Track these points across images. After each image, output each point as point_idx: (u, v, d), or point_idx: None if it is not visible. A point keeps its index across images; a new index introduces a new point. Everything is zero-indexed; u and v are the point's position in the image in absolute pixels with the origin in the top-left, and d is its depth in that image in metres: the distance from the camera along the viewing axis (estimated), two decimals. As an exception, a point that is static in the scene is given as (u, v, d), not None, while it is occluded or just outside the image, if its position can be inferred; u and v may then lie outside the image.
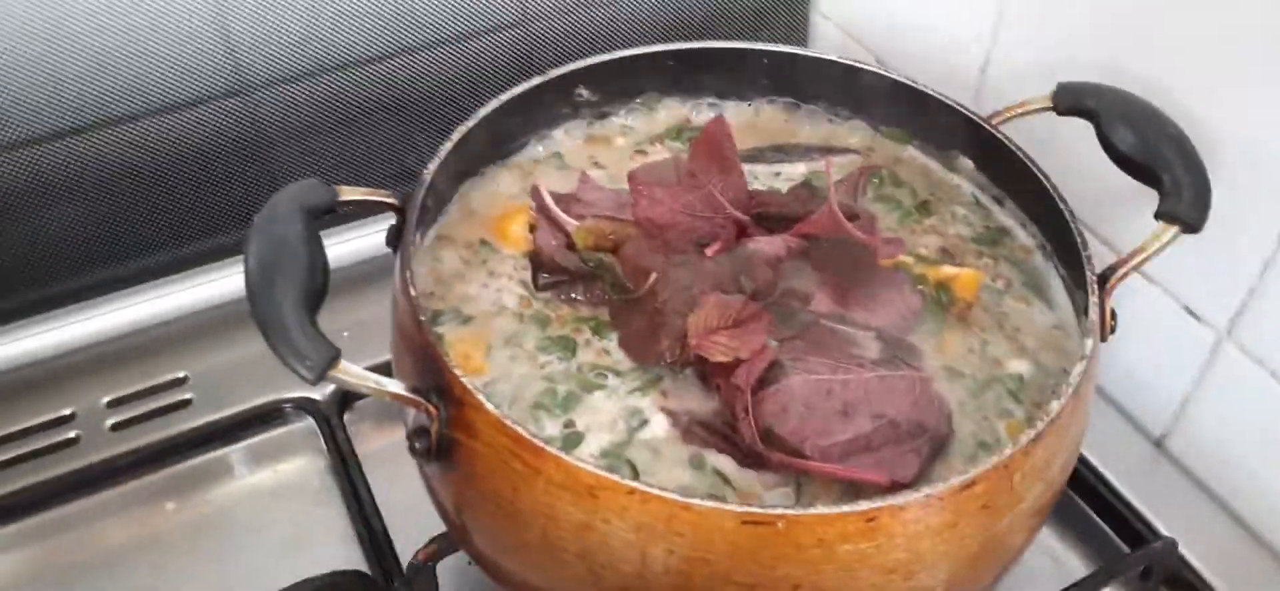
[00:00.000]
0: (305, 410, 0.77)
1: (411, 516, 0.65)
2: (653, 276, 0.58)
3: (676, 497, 0.46)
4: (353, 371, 0.49)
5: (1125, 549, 0.69)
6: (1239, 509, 0.71)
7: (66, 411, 0.78)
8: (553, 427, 0.55)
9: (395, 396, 0.51)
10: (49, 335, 0.81)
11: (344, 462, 0.73)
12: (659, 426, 0.55)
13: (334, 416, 0.76)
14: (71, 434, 0.76)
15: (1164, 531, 0.69)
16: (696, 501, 0.46)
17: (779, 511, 0.46)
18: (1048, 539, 0.71)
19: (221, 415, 0.77)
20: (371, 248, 0.84)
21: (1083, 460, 0.71)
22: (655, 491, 0.46)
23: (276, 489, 0.75)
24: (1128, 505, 0.71)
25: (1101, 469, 0.72)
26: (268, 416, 0.77)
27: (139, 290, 0.84)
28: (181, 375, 0.80)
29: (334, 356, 0.49)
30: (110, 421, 0.77)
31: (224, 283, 0.85)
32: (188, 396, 0.79)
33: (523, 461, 0.48)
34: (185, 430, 0.77)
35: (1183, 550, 0.68)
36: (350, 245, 0.84)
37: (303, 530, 0.72)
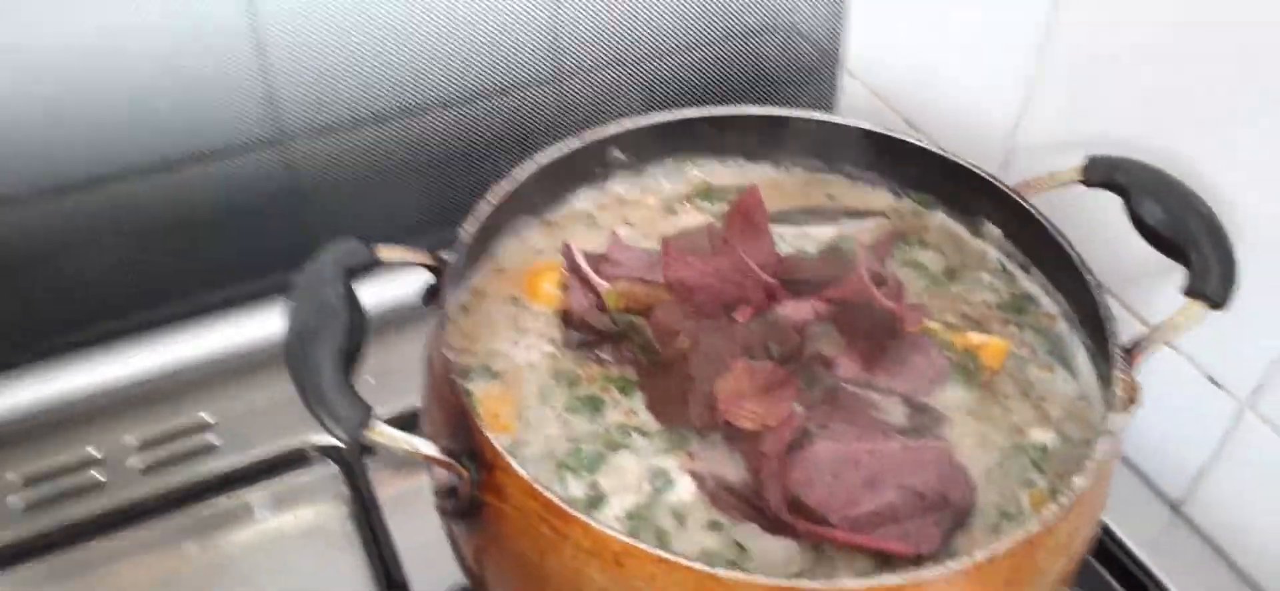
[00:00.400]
0: (328, 455, 0.78)
1: (431, 563, 0.66)
2: (682, 339, 0.59)
3: (705, 568, 0.46)
4: (386, 433, 0.50)
5: (1143, 617, 0.70)
6: (1254, 575, 0.71)
7: (93, 453, 0.78)
8: (577, 488, 0.56)
9: (429, 458, 0.52)
10: (76, 377, 0.82)
11: (365, 509, 0.74)
12: (685, 489, 0.56)
13: (356, 462, 0.77)
14: (98, 475, 0.77)
15: (1181, 600, 0.69)
16: (724, 573, 0.46)
17: (806, 585, 0.46)
18: (1067, 604, 0.71)
19: (245, 459, 0.78)
20: (400, 295, 0.84)
21: (1101, 524, 0.71)
22: (683, 562, 0.46)
23: (298, 533, 0.75)
24: (1144, 569, 0.71)
25: (1119, 533, 0.72)
26: (291, 461, 0.78)
27: (167, 333, 0.85)
28: (207, 419, 0.81)
29: (366, 416, 0.49)
30: (136, 463, 0.78)
31: (250, 328, 0.85)
32: (213, 440, 0.80)
33: (551, 526, 0.49)
34: (209, 473, 0.77)
35: (1201, 620, 0.68)
36: (379, 293, 0.85)
37: (323, 575, 0.72)
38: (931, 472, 0.54)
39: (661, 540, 0.53)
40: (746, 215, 0.64)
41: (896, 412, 0.59)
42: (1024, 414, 0.60)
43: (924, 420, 0.59)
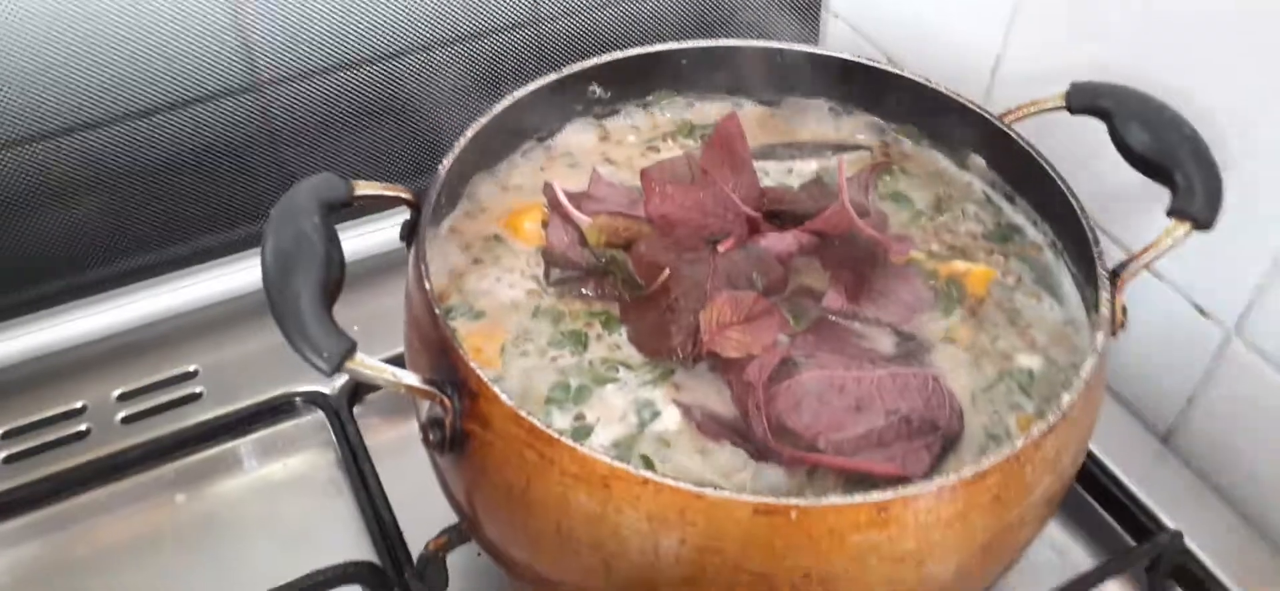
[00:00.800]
0: (315, 403, 0.78)
1: (421, 508, 0.65)
2: (665, 272, 0.59)
3: (690, 488, 0.46)
4: (369, 363, 0.50)
5: (1131, 542, 0.70)
6: (1244, 502, 0.72)
7: (77, 404, 0.78)
8: (563, 420, 0.55)
9: (411, 389, 0.51)
10: (59, 328, 0.82)
11: (354, 455, 0.74)
12: (670, 419, 0.56)
13: (344, 409, 0.76)
14: (82, 427, 0.77)
15: (1170, 524, 0.69)
16: (710, 491, 0.46)
17: (792, 502, 0.46)
18: (1054, 532, 0.71)
19: (231, 408, 0.78)
20: (383, 242, 0.85)
21: (1090, 454, 0.71)
22: (668, 482, 0.46)
23: (286, 481, 0.75)
24: (1133, 499, 0.71)
25: (1108, 463, 0.73)
26: (278, 409, 0.78)
27: (150, 283, 0.84)
28: (192, 368, 0.81)
29: (350, 348, 0.49)
30: (121, 414, 0.78)
31: (234, 276, 0.85)
32: (198, 389, 0.79)
33: (537, 452, 0.49)
34: (195, 423, 0.77)
35: (1188, 542, 0.69)
36: (363, 239, 0.85)
37: (312, 522, 0.72)
38: (918, 398, 0.54)
39: (649, 467, 0.53)
40: (726, 143, 0.63)
41: (884, 341, 0.59)
42: (1011, 340, 0.60)
43: (911, 348, 0.59)
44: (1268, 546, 0.70)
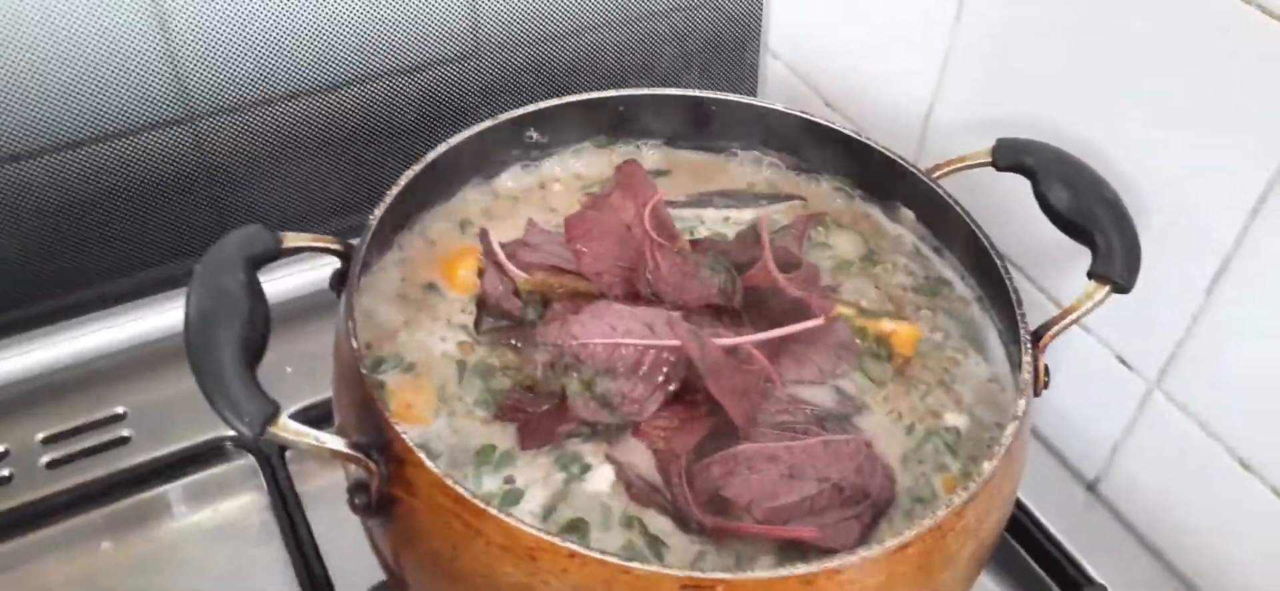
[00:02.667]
0: (246, 448, 0.76)
1: (353, 557, 0.64)
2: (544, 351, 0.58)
3: (617, 561, 0.46)
4: (292, 428, 0.49)
5: (1058, 593, 0.71)
6: (1168, 554, 0.73)
7: (-1, 448, 0.76)
8: (493, 483, 0.55)
9: (335, 453, 0.51)
10: (-19, 369, 0.80)
11: (284, 502, 0.73)
12: (602, 479, 0.56)
13: (275, 455, 0.75)
14: (4, 472, 0.75)
15: (1096, 577, 0.71)
16: (637, 566, 0.46)
17: (719, 576, 0.46)
18: (986, 582, 0.72)
19: (160, 452, 0.76)
20: (316, 281, 0.83)
21: (1018, 502, 0.72)
22: (595, 555, 0.46)
23: (217, 528, 0.74)
24: (1061, 549, 0.72)
25: (1036, 512, 0.74)
26: (208, 454, 0.76)
27: (76, 323, 0.82)
28: (120, 411, 0.79)
29: (273, 412, 0.48)
30: (45, 458, 0.76)
31: (164, 316, 0.83)
32: (126, 433, 0.78)
33: (463, 522, 0.48)
34: (123, 467, 0.75)
35: (1113, 597, 0.70)
36: (294, 279, 0.83)
37: (243, 571, 0.71)
38: (850, 465, 0.54)
39: (579, 531, 0.53)
40: (629, 182, 0.64)
41: (820, 395, 0.59)
42: (938, 398, 0.61)
43: (841, 407, 0.59)
44: (1190, 598, 0.72)
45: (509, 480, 0.55)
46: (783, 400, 0.57)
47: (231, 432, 0.75)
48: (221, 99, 0.81)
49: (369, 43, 0.84)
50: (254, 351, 0.51)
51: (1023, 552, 0.73)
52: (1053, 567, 0.72)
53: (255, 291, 0.53)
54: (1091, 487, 0.77)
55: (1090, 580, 0.70)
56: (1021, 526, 0.73)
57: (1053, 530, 0.73)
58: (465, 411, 0.58)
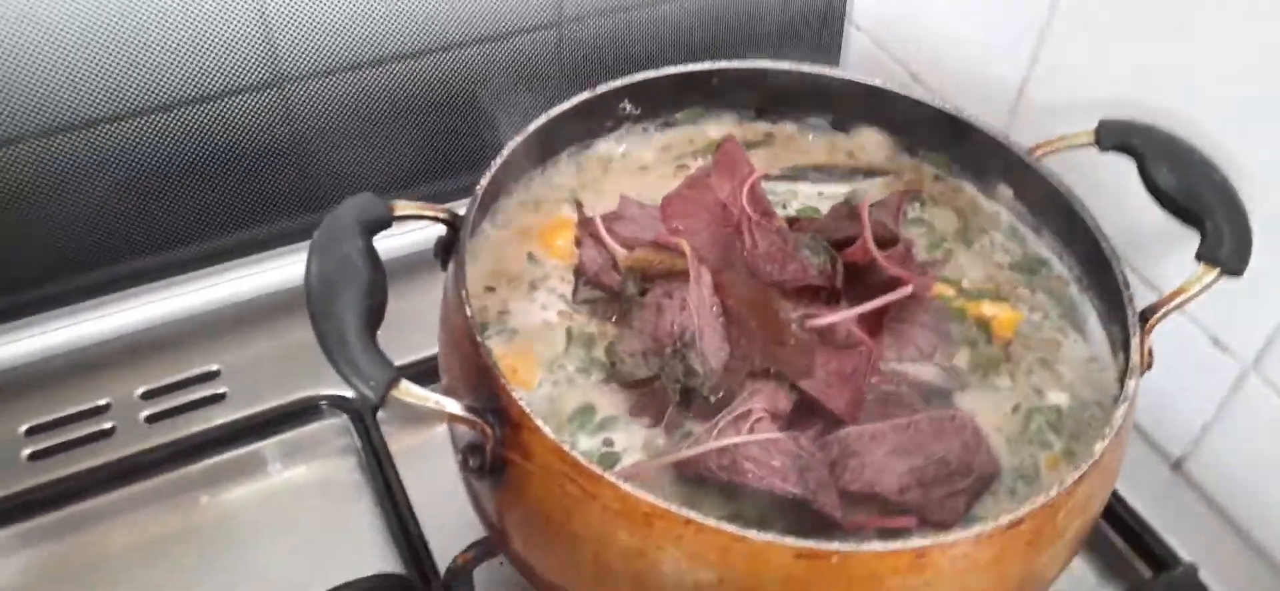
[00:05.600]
0: (339, 407, 0.78)
1: (445, 515, 0.66)
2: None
3: (732, 529, 0.47)
4: (413, 392, 0.50)
5: (1147, 572, 0.71)
6: (1256, 535, 0.73)
7: (102, 402, 0.78)
8: (590, 444, 0.56)
9: (453, 417, 0.52)
10: (83, 326, 0.82)
11: (378, 461, 0.74)
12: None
13: (368, 414, 0.77)
14: (107, 425, 0.77)
15: (1184, 556, 0.71)
16: (752, 534, 0.47)
17: (834, 546, 0.47)
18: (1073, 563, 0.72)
19: (255, 410, 0.78)
20: (408, 244, 0.84)
21: (1110, 484, 0.73)
22: (711, 523, 0.47)
23: (310, 485, 0.76)
24: (1149, 529, 0.72)
25: (1123, 493, 0.74)
26: (301, 412, 0.78)
27: (173, 282, 0.84)
28: (215, 368, 0.81)
29: (395, 376, 0.49)
30: (145, 413, 0.78)
31: (258, 276, 0.85)
32: (222, 390, 0.80)
33: (578, 486, 0.49)
34: (219, 424, 0.77)
35: (1203, 576, 0.70)
36: (388, 240, 0.84)
37: (335, 528, 0.73)
38: (955, 442, 0.54)
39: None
40: (730, 161, 0.64)
41: (921, 373, 0.60)
42: (1040, 377, 0.61)
43: (945, 383, 0.59)
44: (1278, 579, 0.71)
45: (608, 442, 0.56)
46: (885, 373, 0.58)
47: (325, 392, 0.78)
48: (311, 63, 0.82)
49: (454, 9, 0.84)
50: (374, 317, 0.52)
51: (1108, 529, 0.73)
52: (1139, 546, 0.72)
53: (373, 259, 0.54)
54: (1177, 466, 0.77)
55: (1178, 559, 0.70)
56: (1108, 506, 0.72)
57: (1138, 508, 0.73)
58: (567, 379, 0.59)
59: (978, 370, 0.60)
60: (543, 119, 0.66)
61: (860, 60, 0.97)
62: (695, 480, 0.54)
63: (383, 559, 0.70)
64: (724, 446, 0.53)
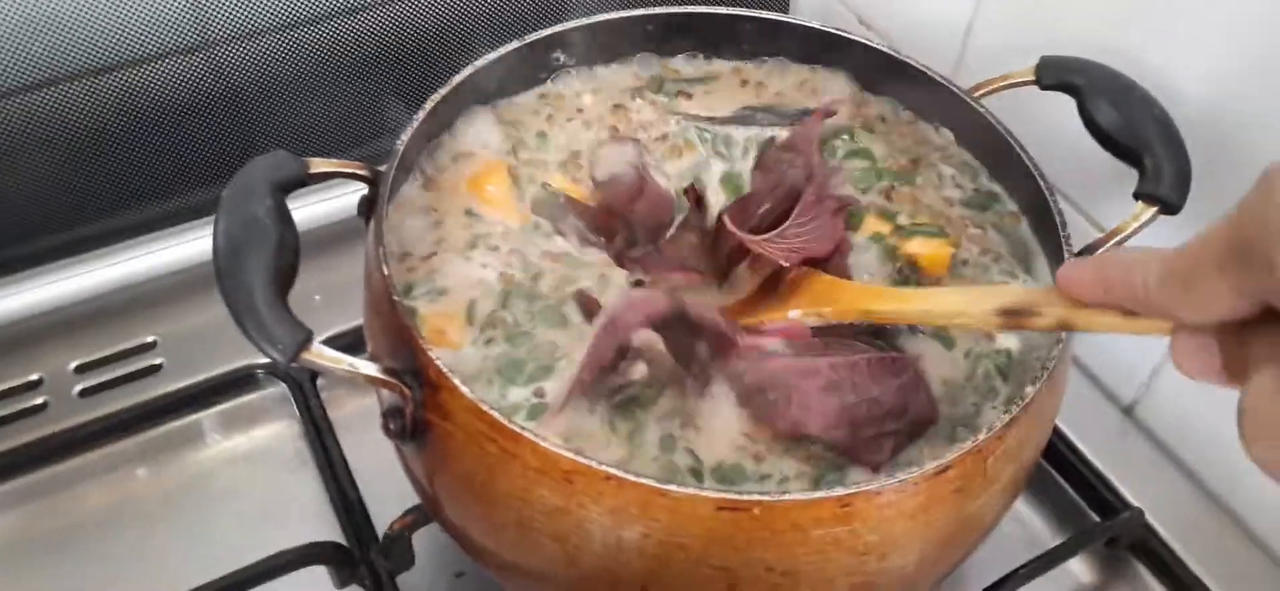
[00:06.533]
0: (278, 376, 0.76)
1: (386, 482, 0.65)
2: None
3: (653, 483, 0.46)
4: (326, 354, 0.49)
5: (1094, 517, 0.71)
6: (1205, 479, 0.72)
7: (34, 376, 0.76)
8: (520, 395, 0.54)
9: (369, 379, 0.50)
10: (14, 298, 0.80)
11: (317, 429, 0.73)
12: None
13: (307, 383, 0.75)
14: (39, 400, 0.75)
15: (1132, 500, 0.70)
16: (673, 488, 0.46)
17: (755, 498, 0.46)
18: (1018, 505, 0.71)
19: (192, 381, 0.76)
20: (344, 208, 0.83)
21: (1054, 428, 0.72)
22: (630, 478, 0.46)
23: (250, 455, 0.75)
24: (1097, 473, 0.72)
25: (1072, 437, 0.73)
26: (240, 382, 0.77)
27: (106, 252, 0.82)
28: (150, 340, 0.79)
29: (305, 338, 0.48)
30: (78, 387, 0.76)
31: (193, 245, 0.83)
32: (158, 361, 0.78)
33: (498, 445, 0.48)
34: (156, 396, 0.76)
35: (1150, 519, 0.69)
36: (322, 206, 0.83)
37: (276, 497, 0.72)
38: (892, 383, 0.53)
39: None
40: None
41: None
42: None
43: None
44: (1226, 522, 0.71)
45: (539, 393, 0.55)
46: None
47: (263, 361, 0.76)
48: (240, 24, 0.80)
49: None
50: (284, 278, 0.51)
51: (1057, 476, 0.72)
52: (1087, 491, 0.71)
53: (284, 218, 0.52)
54: (1127, 411, 0.77)
55: (1126, 504, 0.70)
56: (1056, 451, 0.72)
57: (1087, 454, 0.73)
58: (502, 334, 0.58)
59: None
60: (468, 71, 0.64)
61: (810, 4, 0.95)
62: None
63: (323, 527, 0.69)
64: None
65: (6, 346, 0.78)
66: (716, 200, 0.65)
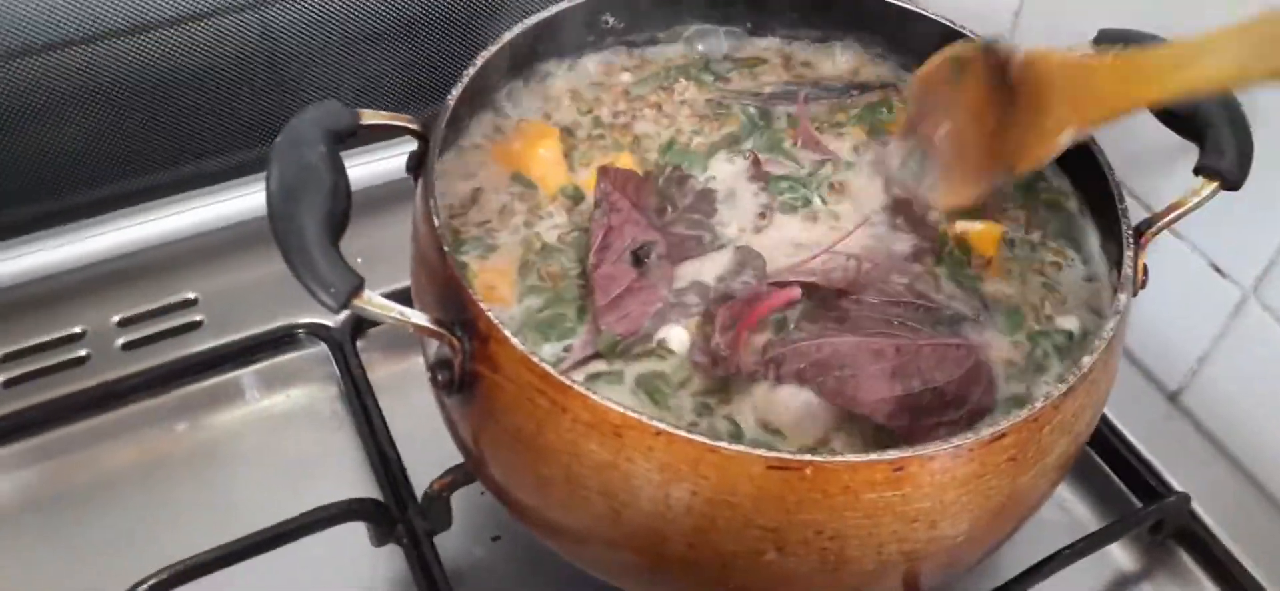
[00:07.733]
0: (318, 335, 0.77)
1: (424, 444, 0.65)
2: None
3: (704, 439, 0.45)
4: (377, 301, 0.48)
5: (1137, 502, 0.70)
6: (1251, 466, 0.71)
7: (76, 329, 0.77)
8: (552, 351, 0.55)
9: (419, 328, 0.50)
10: (59, 250, 0.80)
11: (356, 389, 0.73)
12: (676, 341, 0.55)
13: (347, 343, 0.75)
14: (81, 352, 0.76)
15: (1177, 486, 0.69)
16: (724, 444, 0.45)
17: (807, 458, 0.45)
18: (1061, 490, 0.70)
19: (232, 338, 0.77)
20: (388, 171, 0.83)
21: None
22: (681, 433, 0.45)
23: (288, 414, 0.75)
24: (1141, 459, 0.71)
25: (1116, 422, 0.72)
26: (279, 340, 0.77)
27: (150, 207, 0.83)
28: (192, 296, 0.79)
29: (357, 285, 0.48)
30: (120, 340, 0.77)
31: (236, 202, 0.83)
32: (199, 317, 0.78)
33: (549, 398, 0.48)
34: (196, 352, 0.76)
35: (1195, 505, 0.68)
36: (368, 168, 0.83)
37: (314, 455, 0.72)
38: (956, 371, 0.52)
39: (656, 398, 0.53)
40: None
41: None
42: (1052, 301, 0.59)
43: (964, 310, 0.58)
44: (1274, 510, 0.70)
45: (568, 349, 0.55)
46: (901, 289, 0.56)
47: (304, 320, 0.77)
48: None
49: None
50: (337, 225, 0.50)
51: (1101, 462, 0.71)
52: (1131, 476, 0.70)
53: (337, 166, 0.52)
54: (1173, 397, 0.75)
55: (1171, 489, 0.69)
56: (1100, 436, 0.71)
57: (1132, 439, 0.72)
58: (552, 292, 0.57)
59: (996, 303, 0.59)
60: (517, 29, 0.64)
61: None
62: None
63: (361, 486, 0.69)
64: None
65: (50, 299, 0.78)
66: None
